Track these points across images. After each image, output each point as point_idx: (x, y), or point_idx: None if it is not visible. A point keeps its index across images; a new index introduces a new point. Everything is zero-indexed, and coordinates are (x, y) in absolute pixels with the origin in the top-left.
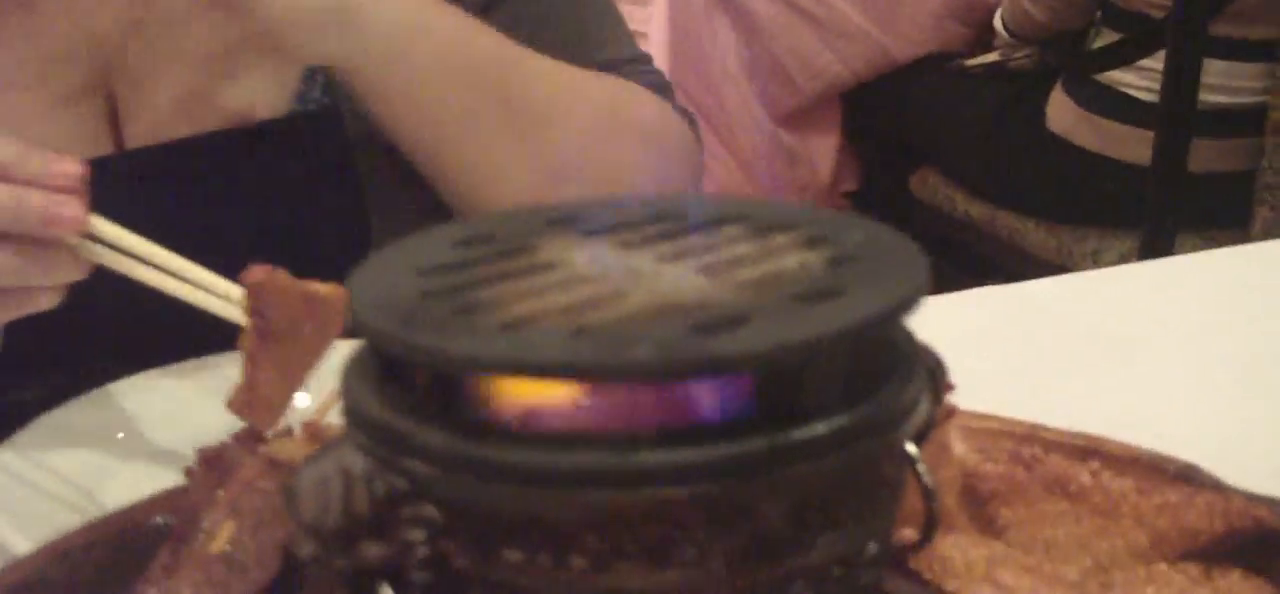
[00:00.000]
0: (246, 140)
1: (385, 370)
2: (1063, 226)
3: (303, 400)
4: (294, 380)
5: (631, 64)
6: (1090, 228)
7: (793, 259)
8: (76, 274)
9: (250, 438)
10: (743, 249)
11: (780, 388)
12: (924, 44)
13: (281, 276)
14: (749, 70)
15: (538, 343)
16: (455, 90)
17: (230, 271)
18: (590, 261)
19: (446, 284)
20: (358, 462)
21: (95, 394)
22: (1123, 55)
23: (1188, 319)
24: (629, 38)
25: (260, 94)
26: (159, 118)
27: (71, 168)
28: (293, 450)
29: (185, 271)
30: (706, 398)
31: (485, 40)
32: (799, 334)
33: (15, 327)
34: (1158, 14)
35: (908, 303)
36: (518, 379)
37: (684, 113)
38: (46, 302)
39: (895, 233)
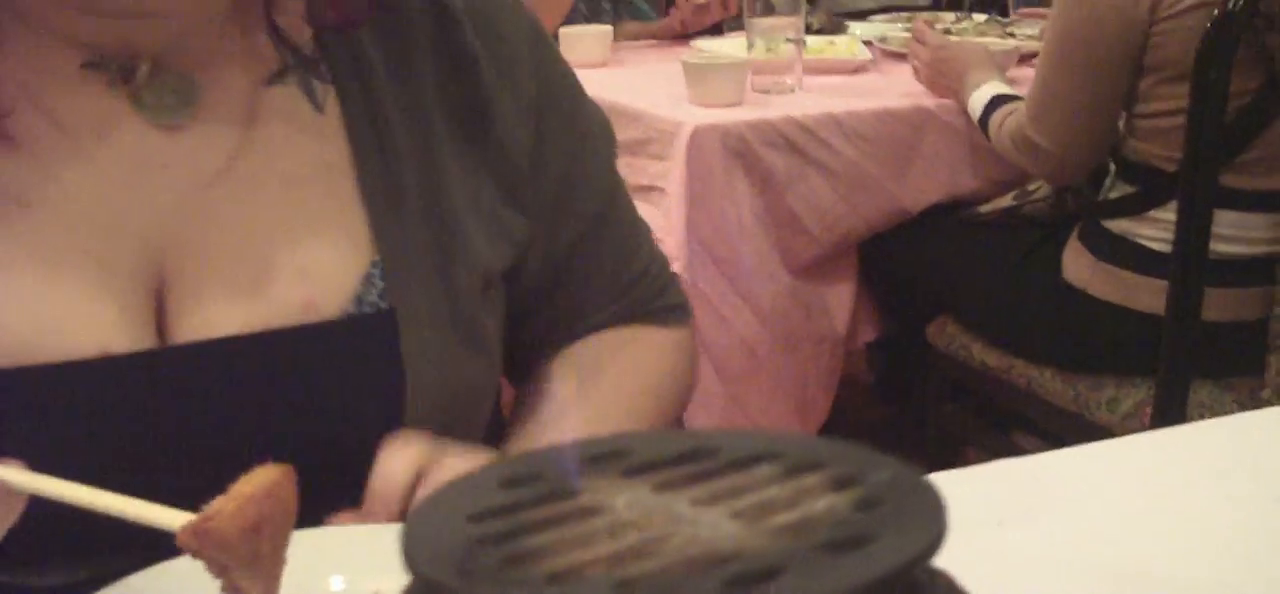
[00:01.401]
0: (298, 341)
1: None
2: (1079, 376)
3: (338, 583)
4: (273, 570)
5: (660, 271)
6: (1107, 376)
7: (822, 502)
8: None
9: None
10: (774, 492)
11: None
12: (937, 194)
13: (214, 527)
14: (764, 222)
15: None
16: None
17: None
18: (630, 506)
19: (496, 531)
20: None
21: (117, 587)
22: (1135, 205)
23: (1203, 485)
24: (648, 235)
25: (319, 290)
26: (211, 309)
27: None
28: None
29: (122, 509)
30: None
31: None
32: (830, 587)
33: (32, 517)
34: (1169, 166)
35: (930, 549)
36: None
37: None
38: None
39: (917, 473)
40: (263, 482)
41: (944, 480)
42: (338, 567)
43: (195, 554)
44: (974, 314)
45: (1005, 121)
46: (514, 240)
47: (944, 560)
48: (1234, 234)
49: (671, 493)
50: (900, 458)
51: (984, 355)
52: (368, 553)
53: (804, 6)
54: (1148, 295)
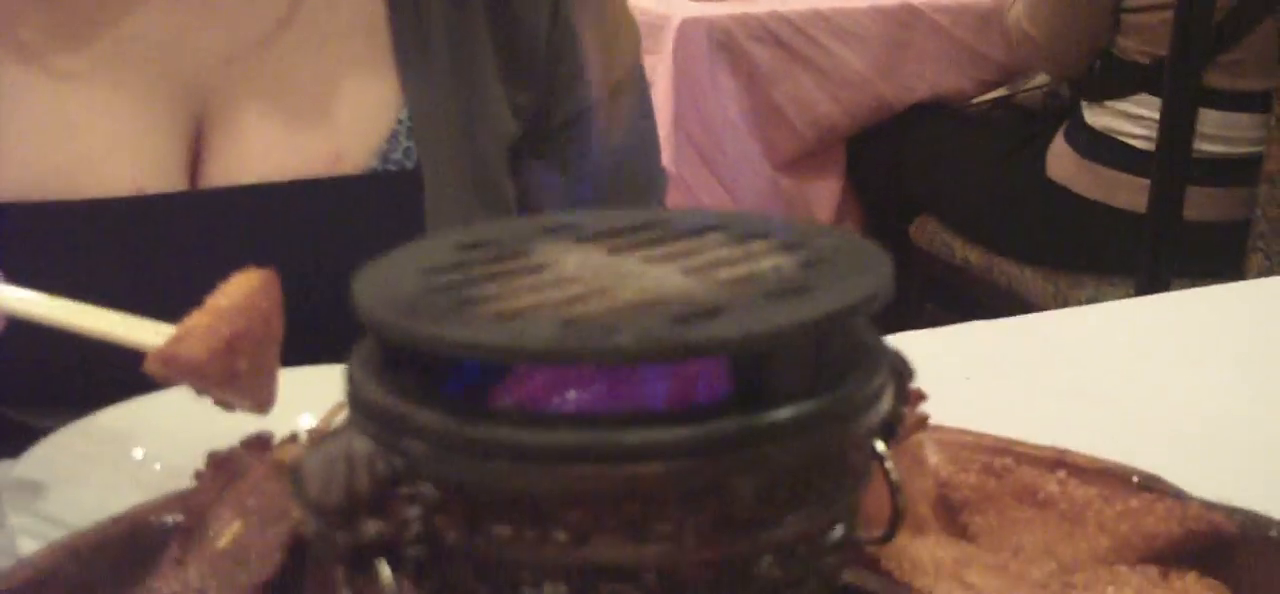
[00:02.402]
0: (323, 193)
1: (387, 359)
2: (1060, 273)
3: (307, 420)
4: (258, 384)
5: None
6: (1087, 275)
7: (769, 261)
8: None
9: (258, 444)
10: (723, 252)
11: (751, 375)
12: (924, 92)
13: (182, 352)
14: (750, 117)
15: (528, 331)
16: None
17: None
18: (581, 263)
19: (447, 281)
20: (360, 444)
21: (110, 411)
22: (1118, 88)
23: (1174, 354)
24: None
25: (347, 143)
26: (242, 156)
27: None
28: (298, 455)
29: (100, 326)
30: (682, 382)
31: None
32: (768, 324)
33: (28, 362)
34: (1146, 61)
35: (870, 299)
36: (509, 364)
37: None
38: None
39: (864, 240)
40: (237, 294)
41: (912, 338)
42: (309, 403)
43: (166, 381)
44: (956, 211)
45: (1012, 6)
46: (522, 111)
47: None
48: (1217, 133)
49: (623, 254)
50: None
51: (965, 252)
52: (338, 388)
53: None
54: (1129, 192)
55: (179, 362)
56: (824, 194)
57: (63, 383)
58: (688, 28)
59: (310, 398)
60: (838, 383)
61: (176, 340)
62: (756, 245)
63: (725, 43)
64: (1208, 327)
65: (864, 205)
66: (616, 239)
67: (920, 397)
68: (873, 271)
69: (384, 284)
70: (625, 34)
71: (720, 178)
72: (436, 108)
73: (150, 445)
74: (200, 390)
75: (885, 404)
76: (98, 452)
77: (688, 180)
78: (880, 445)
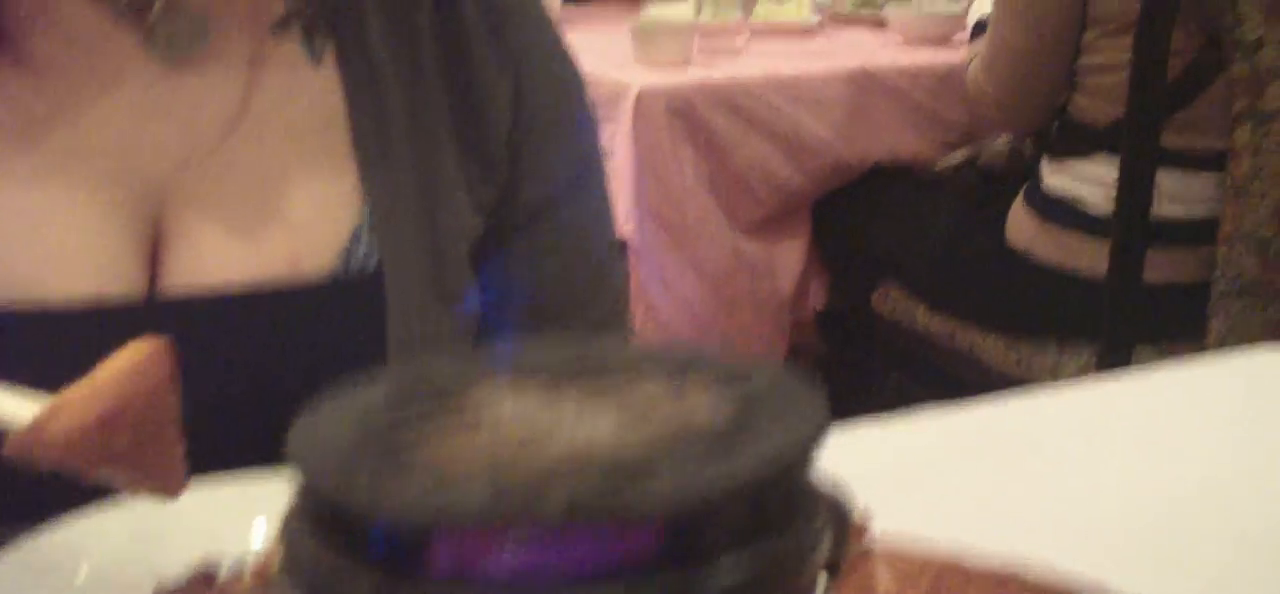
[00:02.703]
0: (284, 300)
1: (321, 515)
2: (1023, 340)
3: (262, 525)
4: (150, 462)
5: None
6: (1050, 340)
7: (703, 402)
8: None
9: (204, 580)
10: (657, 391)
11: (685, 534)
12: (884, 154)
13: (46, 435)
14: (710, 184)
15: (459, 496)
16: None
17: (236, 431)
18: (515, 411)
19: (380, 431)
20: None
21: (56, 531)
22: (1079, 147)
23: (1136, 439)
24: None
25: (306, 244)
26: (201, 259)
27: None
28: (242, 592)
29: None
30: (615, 545)
31: None
32: (702, 484)
33: None
34: (1104, 121)
35: (806, 449)
36: (440, 528)
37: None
38: None
39: (800, 378)
40: (119, 367)
41: (871, 429)
42: (265, 509)
43: (31, 466)
44: (917, 277)
45: (971, 61)
46: (484, 207)
47: (879, 504)
48: (1175, 195)
49: (555, 397)
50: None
51: (927, 321)
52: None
53: None
54: (1089, 257)
55: (44, 439)
56: (788, 257)
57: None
58: (646, 98)
59: (266, 505)
60: (777, 532)
61: (43, 417)
62: (691, 383)
63: (684, 111)
64: (1173, 407)
65: (829, 269)
66: (551, 378)
67: (864, 530)
68: (808, 416)
69: (319, 436)
70: (584, 122)
71: (682, 246)
72: (398, 206)
73: (95, 566)
74: (81, 473)
75: (825, 548)
76: (37, 578)
77: (650, 250)
78: (822, 584)
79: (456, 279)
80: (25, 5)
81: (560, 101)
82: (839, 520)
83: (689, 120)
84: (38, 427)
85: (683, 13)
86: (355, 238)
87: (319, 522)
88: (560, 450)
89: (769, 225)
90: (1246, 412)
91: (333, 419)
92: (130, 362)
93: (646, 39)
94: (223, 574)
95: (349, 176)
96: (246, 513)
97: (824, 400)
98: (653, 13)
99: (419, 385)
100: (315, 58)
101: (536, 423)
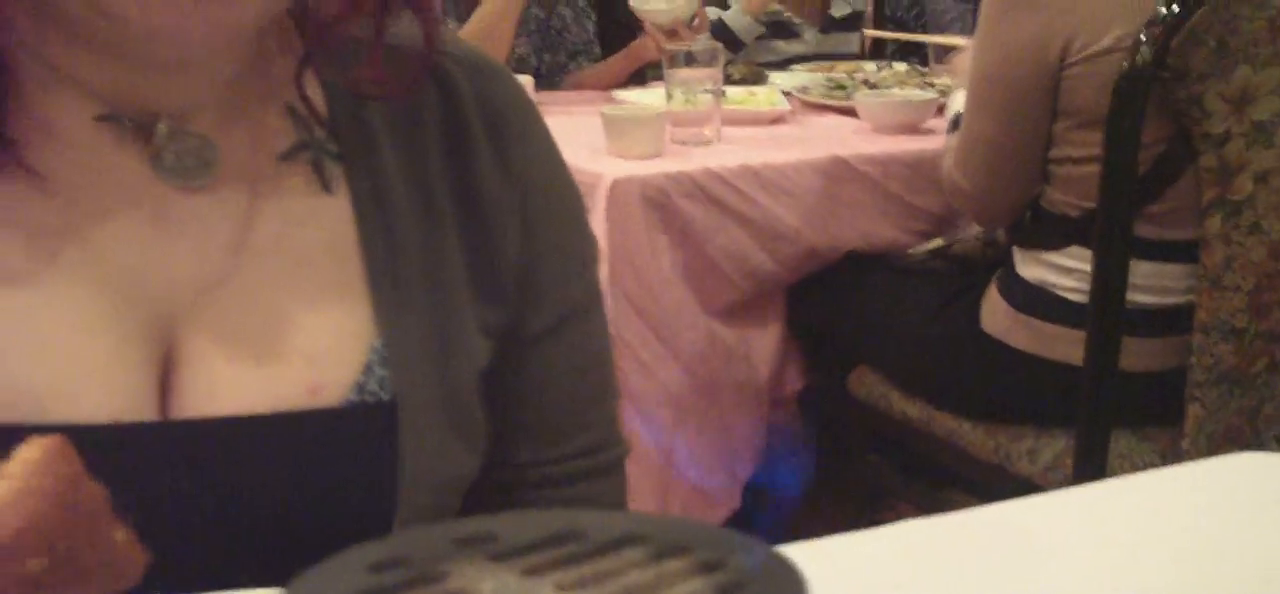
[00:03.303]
0: (299, 425)
1: None
2: (1000, 427)
3: None
4: (5, 578)
5: (613, 410)
6: (1027, 427)
7: (685, 588)
8: None
9: None
10: (639, 576)
11: None
12: (856, 242)
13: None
14: (685, 272)
15: None
16: None
17: (247, 556)
18: (496, 592)
19: None
20: None
21: None
22: (1050, 239)
23: (1118, 543)
24: (610, 368)
25: (323, 375)
26: (214, 387)
27: None
28: None
29: None
30: None
31: None
32: None
33: None
34: (1075, 214)
35: None
36: None
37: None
38: None
39: (785, 560)
40: (8, 487)
41: (849, 542)
42: None
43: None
44: (893, 364)
45: (947, 154)
46: (491, 332)
47: None
48: (1149, 284)
49: (538, 578)
50: (831, 509)
51: (903, 406)
52: None
53: (722, 58)
54: (1065, 345)
55: None
56: (764, 342)
57: None
58: (620, 187)
59: None
60: None
61: None
62: (673, 565)
63: (658, 200)
64: (1151, 515)
65: (804, 352)
66: (531, 558)
67: None
68: None
69: None
70: (587, 243)
71: (657, 332)
72: (410, 335)
73: None
74: None
75: None
76: None
77: (627, 338)
78: None
79: (467, 407)
80: (33, 120)
81: (566, 227)
82: None
83: (664, 209)
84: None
85: (653, 100)
86: (368, 369)
87: None
88: None
89: (744, 310)
90: (1227, 518)
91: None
92: (22, 477)
93: (618, 129)
94: None
95: (362, 305)
96: None
97: (803, 581)
98: (624, 100)
99: (405, 562)
100: (326, 186)
101: None
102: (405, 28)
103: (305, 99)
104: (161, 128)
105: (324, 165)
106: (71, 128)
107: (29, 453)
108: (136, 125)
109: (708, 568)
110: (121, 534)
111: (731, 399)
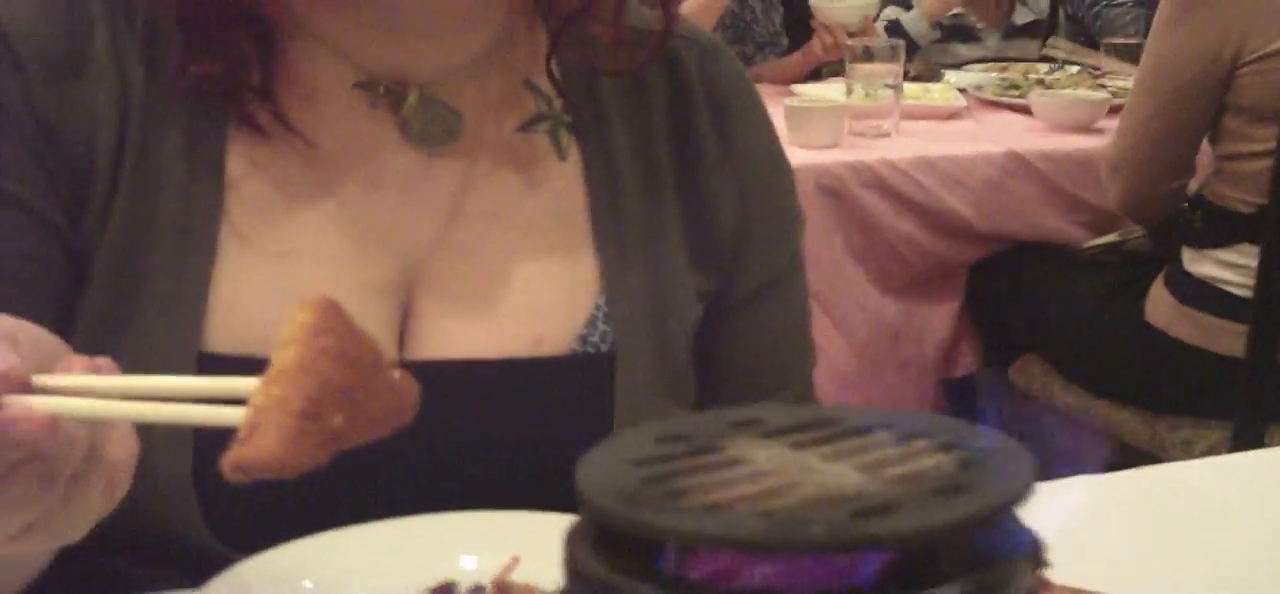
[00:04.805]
0: (524, 371)
1: (602, 539)
2: (1158, 417)
3: (469, 561)
4: (313, 438)
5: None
6: (1184, 418)
7: (929, 461)
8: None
9: (443, 590)
10: (889, 452)
11: (918, 561)
12: (1024, 235)
13: (250, 456)
14: (858, 256)
15: (735, 523)
16: None
17: (470, 493)
18: (770, 458)
19: (656, 474)
20: None
21: (286, 548)
22: (1219, 237)
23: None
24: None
25: (549, 328)
26: (448, 338)
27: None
28: None
29: (176, 389)
30: (857, 566)
31: None
32: (936, 520)
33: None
34: (1247, 210)
35: (1019, 498)
36: (719, 550)
37: None
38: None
39: (1011, 440)
40: (297, 350)
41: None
42: (469, 547)
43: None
44: (1058, 353)
45: (1105, 158)
46: (703, 296)
47: None
48: None
49: (802, 450)
50: None
51: (1065, 395)
52: (495, 534)
53: (902, 54)
54: (1227, 338)
55: (257, 466)
56: (933, 329)
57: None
58: (798, 175)
59: (473, 543)
60: (988, 565)
61: (243, 442)
62: (917, 445)
63: (834, 188)
64: None
65: (977, 340)
66: (797, 435)
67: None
68: (1017, 474)
69: (601, 475)
70: (795, 214)
71: (828, 313)
72: (631, 293)
73: (320, 581)
74: (313, 467)
75: (1023, 584)
76: (269, 587)
77: None
78: None
79: (679, 364)
80: (297, 85)
81: (778, 199)
82: (1035, 562)
83: (838, 196)
84: (242, 456)
85: (834, 95)
86: (592, 322)
87: (604, 545)
88: (813, 491)
89: (914, 294)
90: None
91: (608, 462)
92: (304, 339)
93: (798, 120)
94: (462, 590)
95: (589, 265)
96: (455, 546)
97: (1030, 461)
98: (803, 93)
99: (679, 435)
100: (561, 156)
101: (789, 470)
102: (643, 10)
103: (551, 77)
104: (412, 96)
105: (559, 136)
106: (331, 92)
107: (305, 317)
108: (390, 92)
109: (947, 447)
110: (397, 373)
111: (896, 378)
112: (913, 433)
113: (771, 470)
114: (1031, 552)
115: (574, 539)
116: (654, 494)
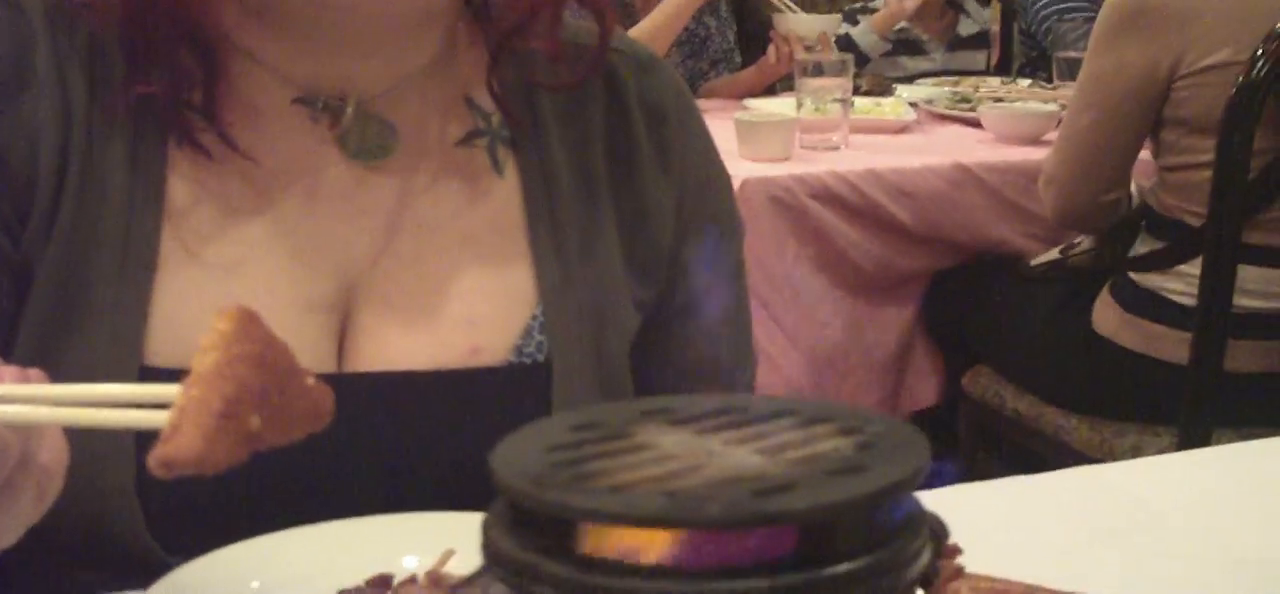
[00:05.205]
0: (461, 382)
1: (517, 521)
2: (1106, 423)
3: (411, 561)
4: (231, 437)
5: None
6: (1131, 424)
7: (829, 444)
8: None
9: (380, 582)
10: (791, 436)
11: (815, 539)
12: (973, 246)
13: (174, 452)
14: (810, 267)
15: (638, 501)
16: None
17: (409, 506)
18: (675, 444)
19: (567, 458)
20: (497, 590)
21: (233, 548)
22: (1163, 260)
23: (1206, 510)
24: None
25: (485, 338)
26: (385, 346)
27: None
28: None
29: (108, 396)
30: (760, 544)
31: None
32: (831, 497)
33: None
34: (1195, 222)
35: (913, 478)
36: (622, 527)
37: None
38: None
39: (908, 426)
40: (214, 355)
41: (958, 492)
42: (411, 547)
43: (175, 476)
44: (1009, 363)
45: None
46: (642, 306)
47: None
48: (1258, 289)
49: (707, 436)
50: None
51: (1016, 403)
52: (437, 534)
53: (851, 69)
54: (1172, 346)
55: (179, 462)
56: (887, 342)
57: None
58: (749, 187)
59: (413, 543)
60: (886, 543)
61: (166, 440)
62: (819, 429)
63: (785, 200)
64: (1240, 481)
65: (937, 345)
66: (703, 422)
67: (956, 551)
68: (915, 453)
69: (515, 460)
70: (734, 221)
71: (781, 326)
72: (568, 304)
73: (267, 581)
74: (233, 463)
75: (924, 560)
76: (217, 588)
77: (754, 333)
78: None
79: (617, 374)
80: (238, 103)
81: (717, 208)
82: (936, 543)
83: (791, 209)
84: (165, 454)
85: (784, 109)
86: (527, 333)
87: (518, 526)
88: (715, 473)
89: (870, 300)
90: None
91: (524, 448)
92: (221, 345)
93: (749, 133)
94: (397, 582)
95: (525, 277)
96: (398, 546)
97: (927, 444)
98: (753, 107)
99: (593, 423)
100: (498, 170)
101: (693, 453)
102: (581, 25)
103: (492, 92)
104: (349, 110)
105: (496, 150)
106: (271, 109)
107: (222, 325)
108: (329, 107)
109: (847, 431)
110: (310, 379)
111: (848, 387)
112: (815, 419)
113: (677, 454)
114: (932, 532)
115: (489, 522)
116: (564, 477)
